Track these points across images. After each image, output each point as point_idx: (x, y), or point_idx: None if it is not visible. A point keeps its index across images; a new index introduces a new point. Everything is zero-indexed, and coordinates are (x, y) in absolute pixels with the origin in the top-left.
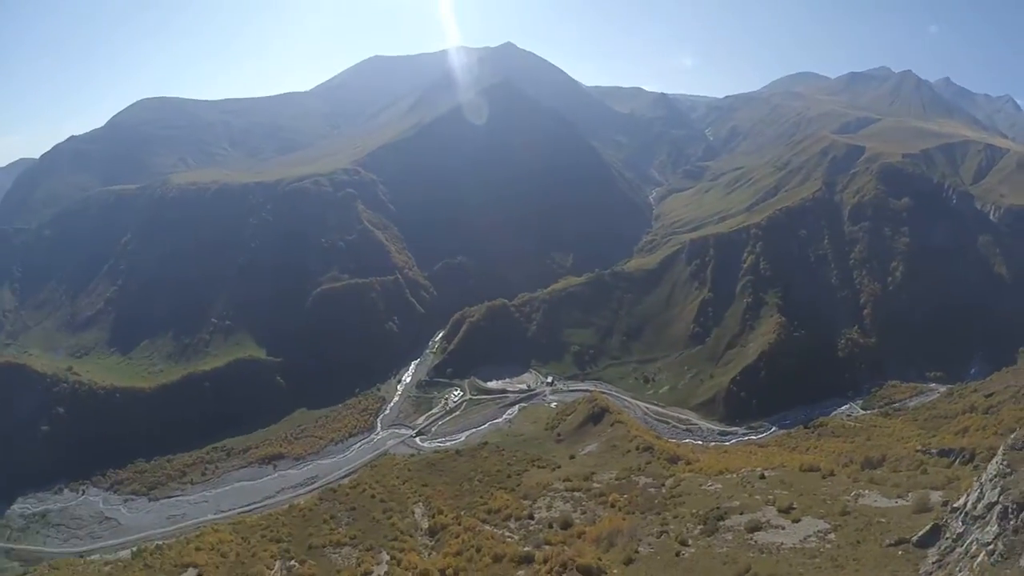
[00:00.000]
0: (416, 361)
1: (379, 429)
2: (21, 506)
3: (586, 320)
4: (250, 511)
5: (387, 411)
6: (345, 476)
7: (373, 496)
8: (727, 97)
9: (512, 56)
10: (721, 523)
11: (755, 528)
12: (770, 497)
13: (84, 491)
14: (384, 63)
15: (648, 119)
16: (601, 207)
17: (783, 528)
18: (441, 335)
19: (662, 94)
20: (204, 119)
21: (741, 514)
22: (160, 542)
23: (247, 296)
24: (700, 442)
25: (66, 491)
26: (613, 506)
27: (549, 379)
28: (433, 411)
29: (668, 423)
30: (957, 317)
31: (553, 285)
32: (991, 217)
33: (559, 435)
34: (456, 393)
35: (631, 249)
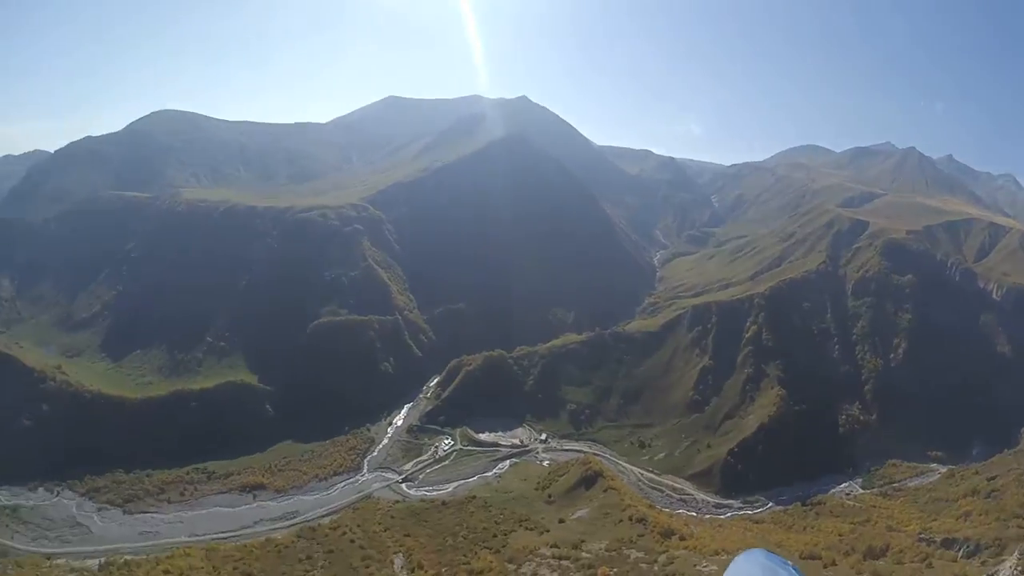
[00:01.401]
0: (409, 405)
1: (365, 470)
2: None
3: (584, 379)
4: (225, 539)
5: (375, 453)
6: (326, 515)
7: (352, 541)
8: (734, 165)
9: (527, 109)
10: None
11: None
12: None
13: (59, 493)
14: (401, 104)
15: (656, 181)
16: (606, 265)
17: None
18: (436, 381)
19: (670, 158)
20: (220, 138)
21: None
22: (129, 557)
23: (245, 320)
24: (695, 513)
25: (41, 490)
26: None
27: (543, 436)
28: (422, 458)
29: (662, 491)
30: (959, 396)
31: (553, 340)
32: (994, 296)
33: (550, 496)
34: (447, 442)
35: (633, 310)
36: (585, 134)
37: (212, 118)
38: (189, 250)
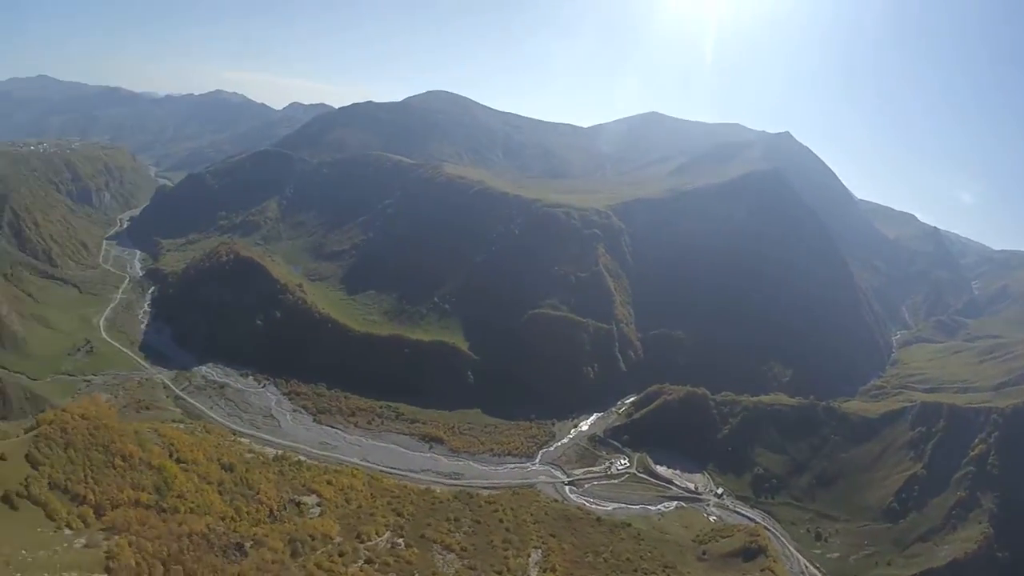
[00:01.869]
0: (598, 414)
1: (537, 461)
2: (209, 370)
3: (781, 446)
4: (390, 474)
5: (552, 448)
6: (487, 488)
7: (501, 520)
8: (1004, 251)
9: (788, 148)
10: None
11: None
12: None
13: (265, 386)
14: (661, 121)
15: (912, 251)
16: (838, 332)
17: None
18: (632, 400)
19: (935, 228)
20: (486, 124)
21: None
22: (302, 459)
23: (470, 291)
24: None
25: (251, 379)
26: None
27: (719, 490)
28: (594, 469)
29: None
30: None
31: (761, 396)
32: None
33: (704, 553)
34: (623, 462)
35: (855, 388)
36: (845, 182)
37: (482, 105)
38: (438, 217)
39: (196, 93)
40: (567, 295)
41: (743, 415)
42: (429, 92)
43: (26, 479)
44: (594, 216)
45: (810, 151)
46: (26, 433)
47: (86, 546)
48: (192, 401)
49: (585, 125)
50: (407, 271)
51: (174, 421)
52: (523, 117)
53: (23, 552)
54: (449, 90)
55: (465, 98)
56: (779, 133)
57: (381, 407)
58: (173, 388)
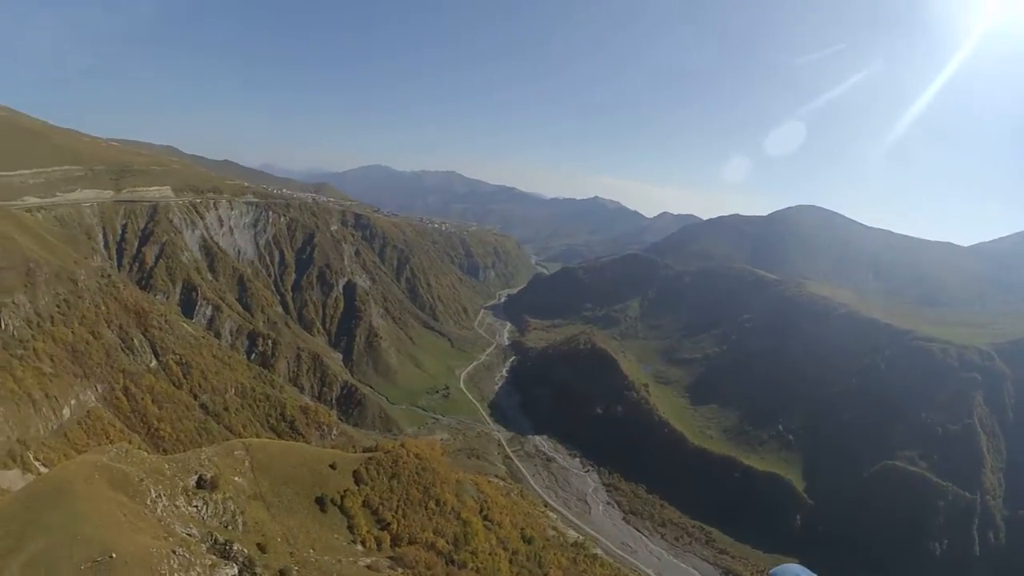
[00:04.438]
0: None
1: None
2: (542, 442)
3: None
4: None
5: None
6: None
7: None
8: None
9: None
10: None
11: None
12: None
13: (588, 471)
14: None
15: None
16: None
17: None
18: None
19: None
20: (853, 241)
21: None
22: (599, 553)
23: (819, 424)
24: None
25: (577, 460)
26: None
27: None
28: None
29: None
30: None
31: None
32: None
33: None
34: None
35: None
36: None
37: (851, 220)
38: (795, 338)
39: (577, 198)
40: (928, 449)
41: None
42: (796, 206)
43: (344, 491)
44: (974, 356)
45: None
46: (364, 452)
47: (368, 567)
48: (519, 464)
49: (964, 244)
50: (754, 390)
51: (497, 476)
52: (895, 234)
53: (311, 550)
54: (817, 204)
55: (833, 213)
56: None
57: (693, 526)
58: (506, 447)
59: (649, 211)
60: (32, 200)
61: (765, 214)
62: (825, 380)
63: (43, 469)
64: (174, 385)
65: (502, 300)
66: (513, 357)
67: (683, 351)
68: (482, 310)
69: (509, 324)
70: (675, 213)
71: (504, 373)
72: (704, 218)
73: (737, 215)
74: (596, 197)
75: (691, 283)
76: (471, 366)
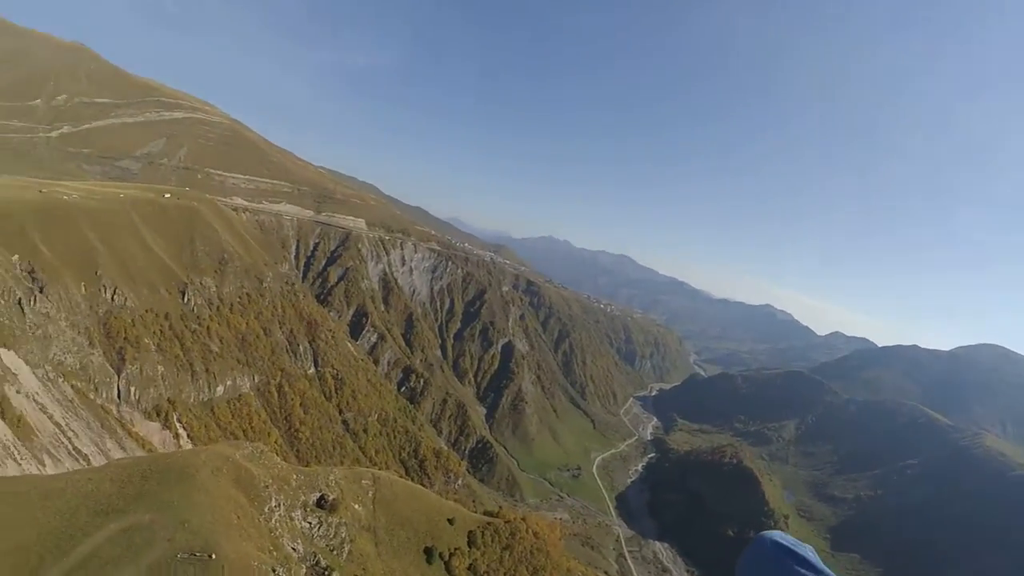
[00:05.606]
0: None
1: None
2: (661, 549)
3: None
4: None
5: None
6: None
7: None
8: None
9: None
10: None
11: None
12: None
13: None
14: None
15: None
16: None
17: None
18: None
19: None
20: None
21: None
22: None
23: None
24: None
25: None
26: None
27: None
28: None
29: None
30: None
31: None
32: None
33: None
34: None
35: None
36: None
37: None
38: (962, 496)
39: (748, 302)
40: None
41: None
42: (982, 344)
43: (455, 549)
44: None
45: None
46: (484, 514)
47: None
48: (631, 566)
49: None
50: (906, 549)
51: (606, 574)
52: None
53: None
54: (1007, 346)
55: (1020, 355)
56: None
57: None
58: (623, 545)
59: (821, 328)
60: (240, 202)
61: (947, 349)
62: (990, 550)
63: (181, 431)
64: (324, 396)
65: (653, 393)
66: (652, 454)
67: (834, 487)
68: (631, 399)
69: (655, 419)
70: (848, 335)
71: (639, 468)
72: (879, 344)
73: (916, 347)
74: (768, 305)
75: (855, 414)
76: (608, 453)
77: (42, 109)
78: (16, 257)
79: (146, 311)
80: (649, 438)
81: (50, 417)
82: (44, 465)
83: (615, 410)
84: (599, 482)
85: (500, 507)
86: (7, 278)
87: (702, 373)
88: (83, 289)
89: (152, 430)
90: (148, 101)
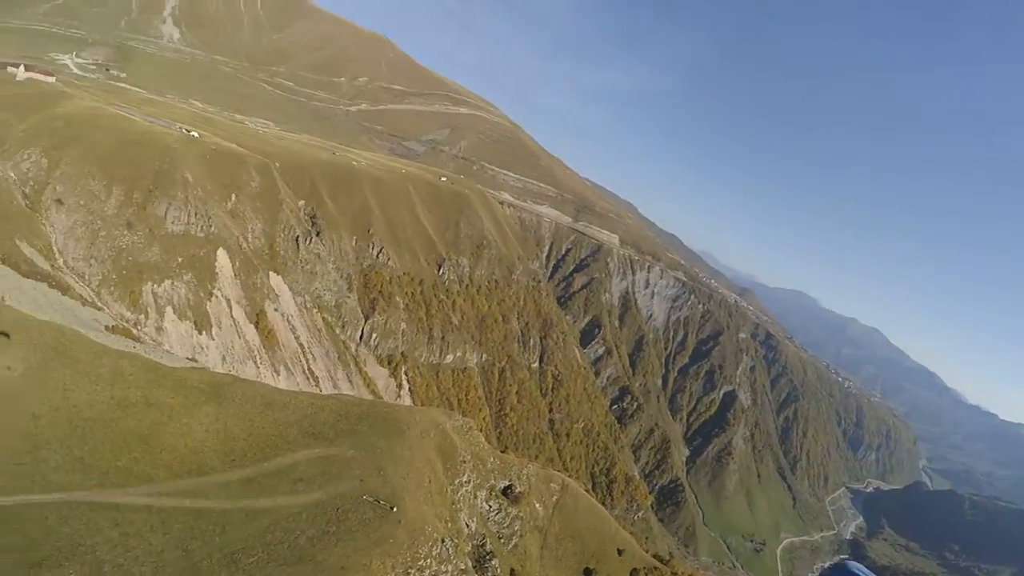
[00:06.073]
0: None
1: None
2: None
3: None
4: None
5: None
6: None
7: None
8: None
9: None
10: None
11: None
12: None
13: None
14: None
15: None
16: None
17: None
18: None
19: None
20: None
21: None
22: None
23: None
24: None
25: None
26: None
27: None
28: None
29: None
30: None
31: None
32: None
33: None
34: None
35: None
36: None
37: None
38: None
39: (1002, 417)
40: None
41: None
42: None
43: None
44: None
45: None
46: (654, 556)
47: None
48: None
49: None
50: None
51: None
52: None
53: None
54: None
55: None
56: None
57: None
58: None
59: None
60: (506, 197)
61: None
62: None
63: (405, 383)
64: (540, 391)
65: (868, 488)
66: (846, 555)
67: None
68: (843, 487)
69: (861, 518)
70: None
71: (826, 566)
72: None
73: None
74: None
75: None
76: (799, 538)
77: (345, 86)
78: (303, 203)
79: (404, 273)
80: (848, 537)
81: (297, 338)
82: (278, 375)
83: (821, 495)
84: (779, 565)
85: (671, 554)
86: (291, 218)
87: (927, 483)
88: (354, 242)
89: (380, 374)
90: (438, 94)
